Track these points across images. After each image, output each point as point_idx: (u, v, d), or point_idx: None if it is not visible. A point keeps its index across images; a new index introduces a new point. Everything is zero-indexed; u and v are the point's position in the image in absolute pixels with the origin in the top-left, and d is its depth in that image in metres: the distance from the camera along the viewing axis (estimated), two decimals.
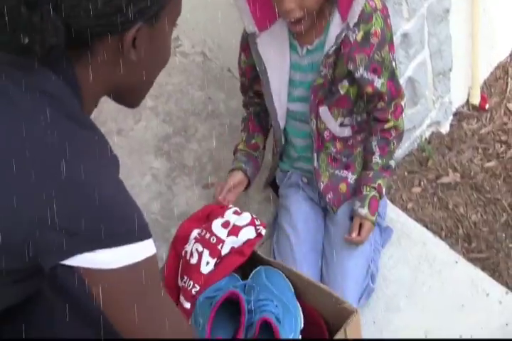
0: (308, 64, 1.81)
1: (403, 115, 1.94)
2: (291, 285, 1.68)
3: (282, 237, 1.97)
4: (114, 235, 1.01)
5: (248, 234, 1.71)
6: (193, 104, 2.63)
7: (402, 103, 1.91)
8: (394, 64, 1.82)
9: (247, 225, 1.73)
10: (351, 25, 1.66)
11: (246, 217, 1.75)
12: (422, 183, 2.45)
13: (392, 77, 1.81)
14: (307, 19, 1.66)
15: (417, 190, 2.42)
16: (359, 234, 1.89)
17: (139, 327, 1.09)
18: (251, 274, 1.71)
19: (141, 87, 1.19)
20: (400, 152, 2.46)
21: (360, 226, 1.89)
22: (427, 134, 2.56)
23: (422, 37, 2.26)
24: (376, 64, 1.75)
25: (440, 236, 2.26)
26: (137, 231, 1.04)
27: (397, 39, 2.14)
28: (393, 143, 1.95)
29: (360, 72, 1.74)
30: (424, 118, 2.47)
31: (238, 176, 1.97)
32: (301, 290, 1.67)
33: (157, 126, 2.59)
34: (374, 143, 1.93)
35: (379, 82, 1.78)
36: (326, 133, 1.88)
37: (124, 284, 1.05)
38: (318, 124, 1.86)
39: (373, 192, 1.93)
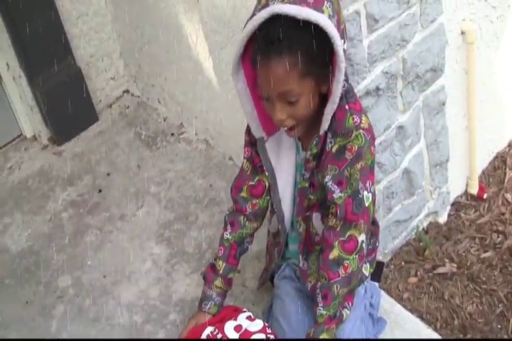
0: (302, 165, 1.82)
1: (360, 257, 1.74)
2: None
3: (276, 327, 1.94)
4: None
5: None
6: (195, 191, 2.66)
7: (359, 238, 1.72)
8: (365, 193, 1.70)
9: (258, 332, 1.76)
10: (321, 133, 1.66)
11: (258, 323, 1.79)
12: (419, 273, 2.43)
13: (354, 197, 1.70)
14: (300, 127, 1.68)
15: (413, 280, 2.41)
16: None
17: None
18: None
19: None
20: (397, 241, 2.45)
21: None
22: (425, 224, 2.56)
23: (418, 129, 2.29)
24: (343, 178, 1.69)
25: (435, 327, 2.24)
26: None
27: (391, 131, 2.18)
28: (336, 287, 1.74)
29: (326, 179, 1.71)
30: (421, 208, 2.48)
31: (204, 319, 1.91)
32: None
33: (159, 212, 2.62)
34: (317, 290, 1.77)
35: (338, 194, 1.70)
36: (316, 238, 1.85)
37: None
38: (308, 228, 1.85)
39: None
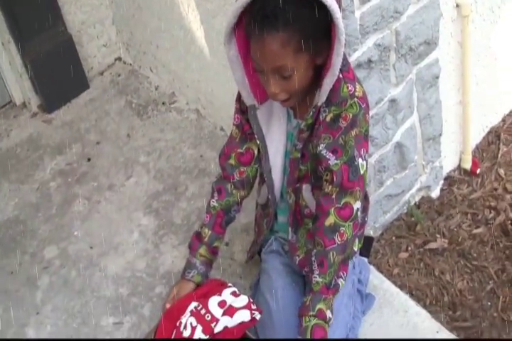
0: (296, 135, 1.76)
1: (355, 225, 1.71)
2: None
3: (262, 303, 1.89)
4: None
5: (243, 316, 1.69)
6: (185, 162, 2.59)
7: (355, 206, 1.69)
8: (360, 160, 1.66)
9: (243, 308, 1.70)
10: (319, 104, 1.61)
11: (243, 299, 1.72)
12: (410, 248, 2.38)
13: (350, 164, 1.66)
14: (293, 98, 1.63)
15: (403, 255, 2.36)
16: None
17: None
18: None
19: None
20: (388, 216, 2.40)
21: None
22: (417, 198, 2.51)
23: (410, 102, 2.22)
24: (338, 146, 1.65)
25: (425, 304, 2.19)
26: None
27: (384, 104, 2.11)
28: (333, 254, 1.70)
29: (320, 148, 1.66)
30: (413, 182, 2.43)
31: (189, 288, 1.85)
32: None
33: (148, 182, 2.55)
34: (312, 258, 1.72)
35: (334, 161, 1.66)
36: (306, 211, 1.80)
37: None
38: (298, 200, 1.79)
39: (314, 321, 1.69)
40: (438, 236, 2.41)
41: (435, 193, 2.56)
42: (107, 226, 2.44)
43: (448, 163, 2.61)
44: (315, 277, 1.72)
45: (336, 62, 1.53)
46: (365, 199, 1.92)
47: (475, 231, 2.43)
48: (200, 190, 2.45)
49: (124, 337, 2.07)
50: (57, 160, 2.76)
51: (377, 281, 2.14)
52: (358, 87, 1.64)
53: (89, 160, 2.71)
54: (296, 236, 1.85)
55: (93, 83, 2.99)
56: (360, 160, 1.66)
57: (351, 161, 1.65)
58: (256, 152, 1.84)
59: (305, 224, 1.83)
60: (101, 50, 3.00)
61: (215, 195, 1.90)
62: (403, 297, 2.11)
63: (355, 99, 1.62)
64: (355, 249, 1.90)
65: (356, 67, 1.95)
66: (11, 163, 2.85)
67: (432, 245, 2.38)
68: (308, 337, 1.68)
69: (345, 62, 1.62)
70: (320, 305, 1.71)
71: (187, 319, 1.70)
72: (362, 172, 1.68)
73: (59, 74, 2.86)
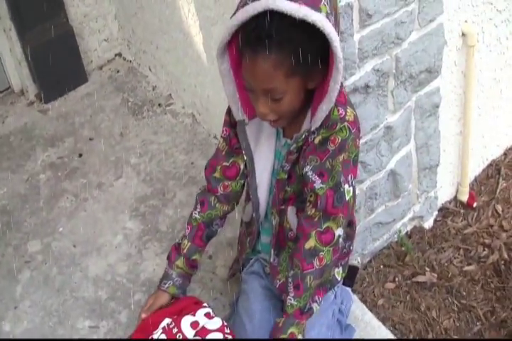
0: (284, 155, 1.72)
1: (334, 250, 1.68)
2: None
3: (239, 324, 1.88)
4: None
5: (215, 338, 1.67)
6: (175, 168, 2.57)
7: (336, 232, 1.66)
8: (346, 186, 1.63)
9: (216, 330, 1.68)
10: (312, 129, 1.58)
11: (216, 321, 1.70)
12: (397, 279, 2.28)
13: (335, 189, 1.62)
14: (283, 120, 1.60)
15: (390, 285, 2.27)
16: None
17: None
18: None
19: None
20: (377, 243, 2.35)
21: None
22: (409, 228, 2.44)
23: (407, 130, 2.19)
24: (325, 170, 1.61)
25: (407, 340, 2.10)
26: None
27: (379, 131, 2.09)
28: (309, 278, 1.67)
29: (306, 170, 1.62)
30: (405, 211, 2.37)
31: (165, 299, 1.84)
32: None
33: (136, 185, 2.54)
34: (289, 279, 1.70)
35: (319, 185, 1.62)
36: (290, 234, 1.77)
37: None
38: (282, 223, 1.77)
39: None
40: (427, 269, 2.31)
41: (428, 224, 2.49)
42: (92, 225, 2.43)
43: (444, 193, 2.55)
44: (290, 299, 1.71)
45: (333, 89, 1.50)
46: (351, 227, 1.88)
47: (466, 268, 2.33)
48: (188, 199, 2.43)
49: None
50: (49, 153, 2.74)
51: (360, 312, 2.08)
52: (349, 111, 1.60)
53: (80, 155, 2.69)
54: (278, 259, 1.83)
55: (91, 77, 2.96)
56: (346, 186, 1.64)
57: (337, 187, 1.62)
58: (242, 167, 1.80)
59: (288, 248, 1.80)
60: (102, 45, 2.97)
61: (198, 206, 1.88)
62: (384, 331, 2.04)
63: (346, 124, 1.58)
64: (339, 278, 1.87)
65: (352, 91, 1.92)
66: (4, 150, 2.83)
67: (421, 278, 2.29)
68: None
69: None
70: (292, 329, 1.70)
71: (158, 335, 1.69)
72: (347, 198, 1.65)
73: (58, 65, 2.82)
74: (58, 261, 2.34)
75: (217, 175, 1.84)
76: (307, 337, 1.76)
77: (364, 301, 2.17)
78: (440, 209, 2.53)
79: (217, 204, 1.87)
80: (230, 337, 1.69)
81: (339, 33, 1.51)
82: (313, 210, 1.65)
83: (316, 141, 1.60)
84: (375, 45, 1.92)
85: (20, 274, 2.33)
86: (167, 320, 1.72)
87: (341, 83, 1.59)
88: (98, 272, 2.28)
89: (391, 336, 2.02)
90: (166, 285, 1.86)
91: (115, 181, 2.57)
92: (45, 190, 2.60)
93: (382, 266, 2.31)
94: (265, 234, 1.90)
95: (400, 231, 2.38)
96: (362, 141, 1.96)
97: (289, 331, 1.70)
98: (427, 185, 2.38)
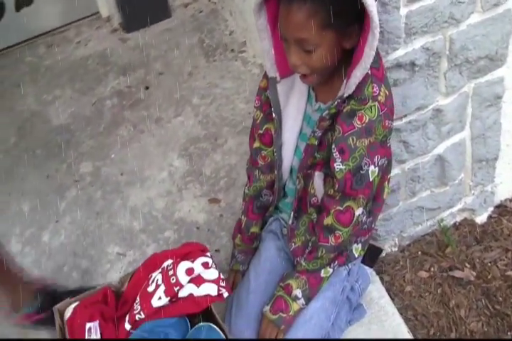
0: (316, 120, 1.64)
1: (354, 230, 1.64)
2: None
3: (245, 280, 1.86)
4: None
5: (209, 289, 1.64)
6: (233, 115, 2.55)
7: (356, 212, 1.60)
8: (371, 167, 1.54)
9: (210, 281, 1.65)
10: (345, 96, 1.50)
11: (213, 273, 1.67)
12: (432, 269, 2.09)
13: (355, 172, 1.53)
14: (315, 77, 1.52)
15: (423, 274, 2.08)
16: None
17: None
18: (192, 329, 1.64)
19: None
20: (419, 228, 2.21)
21: None
22: (458, 219, 2.26)
23: (462, 117, 2.06)
24: (346, 147, 1.52)
25: (428, 333, 1.94)
26: None
27: (427, 112, 1.96)
28: (322, 251, 1.67)
29: (331, 140, 1.55)
30: (454, 201, 2.21)
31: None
32: None
33: (192, 125, 2.53)
34: (309, 243, 1.71)
35: (339, 166, 1.54)
36: (313, 200, 1.72)
37: None
38: (307, 187, 1.71)
39: (280, 292, 1.70)
40: (467, 265, 2.10)
41: (481, 219, 2.28)
42: (141, 157, 2.46)
43: (503, 190, 2.31)
44: (301, 259, 1.72)
45: (368, 55, 1.42)
46: (375, 203, 1.79)
47: (510, 273, 2.08)
48: (238, 147, 2.41)
49: (122, 270, 2.11)
50: (119, 81, 2.77)
51: (377, 295, 1.94)
52: (383, 90, 1.51)
53: (147, 88, 2.70)
54: (297, 223, 1.79)
55: (175, 13, 2.95)
56: (371, 168, 1.56)
57: (357, 170, 1.55)
58: (273, 132, 1.74)
59: (309, 214, 1.76)
60: None
61: (248, 181, 1.88)
62: (397, 320, 1.88)
63: (376, 104, 1.49)
64: (356, 254, 1.81)
65: (395, 67, 1.79)
66: (80, 72, 2.88)
67: (458, 273, 2.07)
68: (270, 303, 1.70)
69: (376, 58, 1.50)
70: (290, 281, 1.71)
71: (156, 275, 1.69)
72: (371, 178, 1.58)
73: None
74: (104, 185, 2.39)
75: (257, 144, 1.80)
76: (309, 309, 1.74)
77: (391, 284, 2.04)
78: (497, 206, 2.29)
79: (261, 176, 1.84)
80: (223, 290, 1.65)
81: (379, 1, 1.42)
82: (333, 191, 1.61)
83: (345, 110, 1.52)
84: (425, 22, 1.76)
85: (68, 191, 2.40)
86: (168, 262, 1.71)
87: (380, 56, 1.52)
88: (137, 203, 2.31)
89: (403, 327, 1.86)
90: (232, 264, 1.92)
91: (173, 118, 2.57)
92: (108, 115, 2.64)
93: (420, 253, 2.14)
94: (289, 193, 1.85)
95: (442, 220, 2.22)
96: (405, 120, 1.87)
97: (287, 282, 1.71)
98: (483, 178, 2.22)
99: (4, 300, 1.81)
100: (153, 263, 1.72)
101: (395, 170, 1.99)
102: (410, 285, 2.04)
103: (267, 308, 1.71)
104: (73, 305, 1.70)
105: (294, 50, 1.46)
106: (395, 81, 1.78)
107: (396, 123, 1.86)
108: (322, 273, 1.72)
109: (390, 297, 1.97)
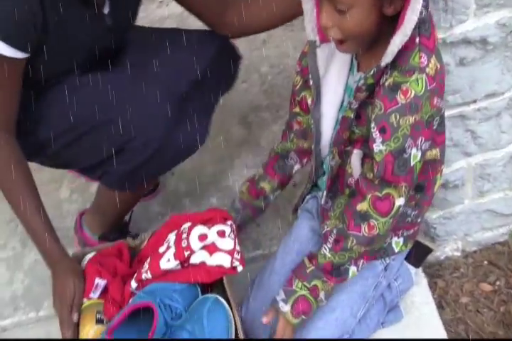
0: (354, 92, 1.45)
1: (390, 221, 1.43)
2: (232, 329, 1.45)
3: (271, 258, 1.71)
4: None
5: (222, 260, 1.50)
6: None
7: (397, 202, 1.40)
8: (414, 151, 1.35)
9: (224, 251, 1.51)
10: (382, 65, 1.30)
11: (228, 243, 1.53)
12: (498, 283, 1.86)
13: (397, 155, 1.35)
14: (350, 44, 1.33)
15: (486, 287, 1.85)
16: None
17: None
18: (197, 299, 1.50)
19: None
20: (489, 234, 1.98)
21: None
22: None
23: None
24: (388, 126, 1.33)
25: None
26: None
27: (501, 100, 1.66)
28: (352, 241, 1.46)
29: (371, 118, 1.36)
30: None
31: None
32: None
33: (257, 94, 2.41)
34: (334, 230, 1.50)
35: (378, 147, 1.36)
36: (350, 180, 1.52)
37: None
38: (344, 166, 1.52)
39: (305, 292, 1.50)
40: None
41: None
42: None
43: None
44: (325, 248, 1.50)
45: (410, 20, 1.22)
46: (422, 193, 1.57)
47: None
48: None
49: None
50: None
51: (419, 299, 1.73)
52: (433, 61, 1.30)
53: None
54: (332, 204, 1.60)
55: None
56: (413, 151, 1.35)
57: (400, 152, 1.35)
58: (310, 101, 1.55)
59: (345, 195, 1.56)
60: None
61: (279, 139, 1.72)
62: (440, 332, 1.65)
63: (424, 76, 1.28)
64: (396, 249, 1.62)
65: (461, 42, 1.53)
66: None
67: None
68: (291, 302, 1.50)
69: (428, 25, 1.30)
70: (317, 282, 1.51)
71: (171, 236, 1.58)
72: (413, 163, 1.37)
73: None
74: None
75: (296, 109, 1.63)
76: (332, 301, 1.57)
77: (445, 291, 1.84)
78: None
79: (294, 139, 1.67)
80: (237, 263, 1.50)
81: None
82: (372, 175, 1.41)
83: (387, 83, 1.32)
84: None
85: None
86: (186, 224, 1.58)
87: (432, 24, 1.32)
88: (186, 167, 2.17)
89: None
90: (229, 207, 1.72)
91: (239, 85, 2.41)
92: None
93: (486, 262, 1.91)
94: (328, 171, 1.65)
95: None
96: (474, 106, 1.64)
97: (314, 282, 1.51)
98: None
99: None
100: (174, 224, 1.60)
101: (460, 163, 1.78)
102: (468, 297, 1.82)
103: (288, 309, 1.51)
104: (90, 255, 1.62)
105: (326, 9, 1.28)
106: (462, 59, 1.55)
107: (462, 109, 1.66)
108: (348, 275, 1.54)
109: (441, 306, 1.75)
